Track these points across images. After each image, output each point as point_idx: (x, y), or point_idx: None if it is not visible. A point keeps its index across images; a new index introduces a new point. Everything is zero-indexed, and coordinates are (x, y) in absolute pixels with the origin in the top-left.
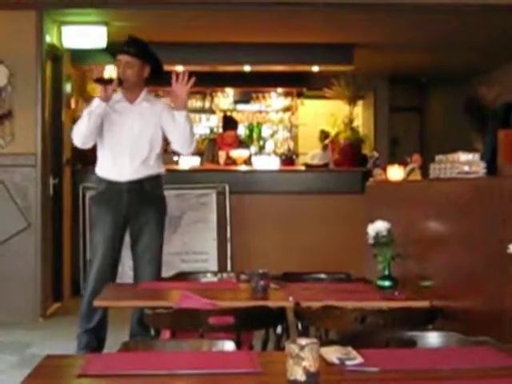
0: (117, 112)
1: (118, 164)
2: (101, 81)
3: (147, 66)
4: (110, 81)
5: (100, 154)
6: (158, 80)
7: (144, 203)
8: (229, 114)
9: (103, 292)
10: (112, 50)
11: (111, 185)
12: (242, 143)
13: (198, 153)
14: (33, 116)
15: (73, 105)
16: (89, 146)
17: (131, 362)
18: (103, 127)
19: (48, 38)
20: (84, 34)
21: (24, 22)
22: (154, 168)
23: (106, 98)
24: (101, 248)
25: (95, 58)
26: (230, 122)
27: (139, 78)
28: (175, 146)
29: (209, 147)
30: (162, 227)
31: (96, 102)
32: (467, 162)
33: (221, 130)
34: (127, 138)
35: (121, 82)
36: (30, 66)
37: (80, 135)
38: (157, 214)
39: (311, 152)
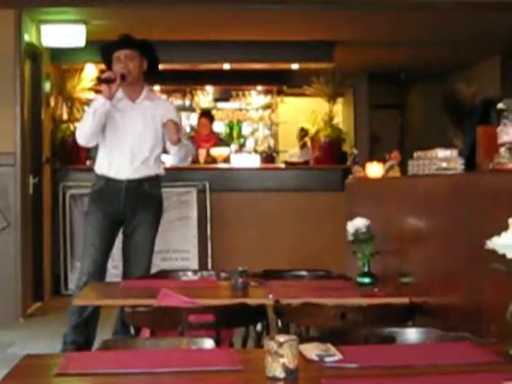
0: (119, 111)
1: (119, 162)
2: (105, 80)
3: (144, 59)
4: (114, 79)
5: (101, 152)
6: (154, 76)
7: (141, 203)
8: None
9: (84, 291)
10: (106, 50)
11: (110, 182)
12: (222, 141)
13: None
14: (12, 115)
15: (52, 103)
16: (92, 144)
17: (110, 360)
18: (105, 125)
19: (27, 37)
20: (63, 33)
21: (2, 20)
22: (154, 168)
23: (111, 96)
24: (94, 243)
25: (74, 56)
26: (206, 113)
27: (140, 72)
28: (170, 154)
29: None
30: (155, 228)
31: (101, 101)
32: (445, 159)
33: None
34: (129, 137)
35: (123, 78)
36: (8, 65)
37: (84, 134)
38: (152, 215)
39: (289, 151)
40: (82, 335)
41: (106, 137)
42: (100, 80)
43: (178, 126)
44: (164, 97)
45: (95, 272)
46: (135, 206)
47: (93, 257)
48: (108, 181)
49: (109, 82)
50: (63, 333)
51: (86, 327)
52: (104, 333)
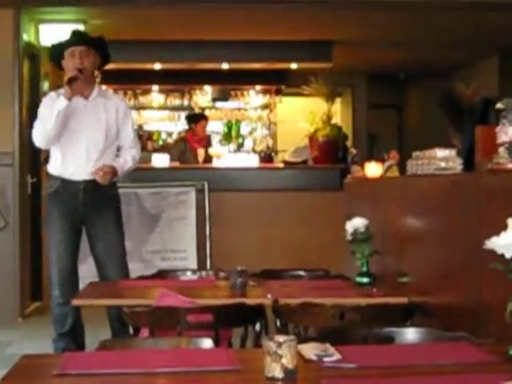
0: (72, 108)
1: (74, 162)
2: (70, 81)
3: (98, 56)
4: (76, 77)
5: (54, 151)
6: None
7: (100, 204)
8: (198, 111)
9: (83, 291)
10: (59, 47)
11: (67, 183)
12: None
13: (167, 151)
14: (10, 115)
15: None
16: (51, 146)
17: (109, 360)
18: None
19: (25, 36)
20: (62, 32)
21: (1, 20)
22: None
23: (72, 96)
24: (60, 249)
25: None
26: (205, 116)
27: (94, 69)
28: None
29: (178, 148)
30: (121, 227)
31: (64, 102)
32: (444, 158)
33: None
34: (83, 135)
35: (80, 74)
36: (7, 65)
37: (46, 136)
38: (114, 215)
39: (289, 151)
40: (72, 342)
41: (59, 136)
42: (68, 82)
43: (107, 172)
44: (162, 96)
45: (65, 283)
46: (94, 207)
47: (60, 267)
48: (64, 182)
49: (72, 81)
50: (52, 339)
51: (74, 334)
52: (99, 334)
